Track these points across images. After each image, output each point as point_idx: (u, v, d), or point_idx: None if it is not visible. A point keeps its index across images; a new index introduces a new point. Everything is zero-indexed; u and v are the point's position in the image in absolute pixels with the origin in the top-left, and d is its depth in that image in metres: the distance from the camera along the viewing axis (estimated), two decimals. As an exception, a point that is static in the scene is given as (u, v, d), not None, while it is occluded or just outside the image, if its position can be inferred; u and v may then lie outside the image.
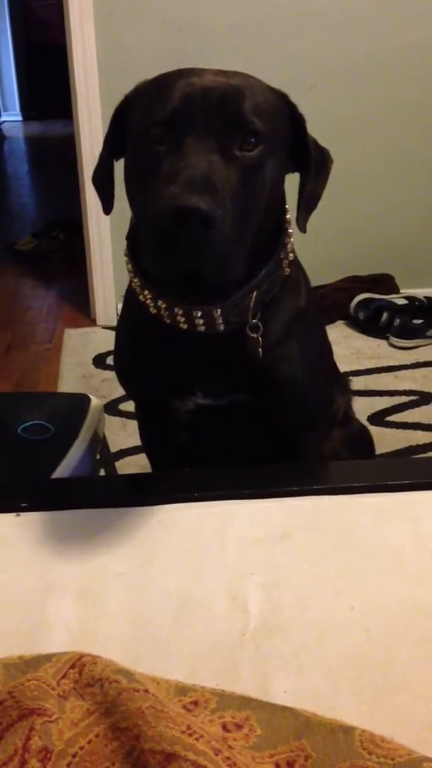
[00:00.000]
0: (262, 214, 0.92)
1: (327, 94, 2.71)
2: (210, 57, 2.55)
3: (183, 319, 0.99)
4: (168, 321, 1.01)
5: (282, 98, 0.98)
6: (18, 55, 7.76)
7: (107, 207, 1.06)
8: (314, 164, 1.01)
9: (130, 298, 1.10)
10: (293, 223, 1.04)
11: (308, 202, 1.02)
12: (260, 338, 1.01)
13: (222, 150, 0.86)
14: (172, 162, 0.85)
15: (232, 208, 0.84)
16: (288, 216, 1.04)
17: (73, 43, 2.57)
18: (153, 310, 1.02)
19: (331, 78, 2.72)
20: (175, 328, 1.01)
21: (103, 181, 1.05)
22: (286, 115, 0.98)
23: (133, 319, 1.13)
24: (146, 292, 1.01)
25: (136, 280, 1.04)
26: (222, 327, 0.99)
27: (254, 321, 1.01)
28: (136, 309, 1.06)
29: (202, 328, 0.99)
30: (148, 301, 1.02)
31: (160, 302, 1.00)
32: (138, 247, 1.01)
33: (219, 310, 0.98)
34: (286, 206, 1.03)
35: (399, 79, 2.75)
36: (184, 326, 1.00)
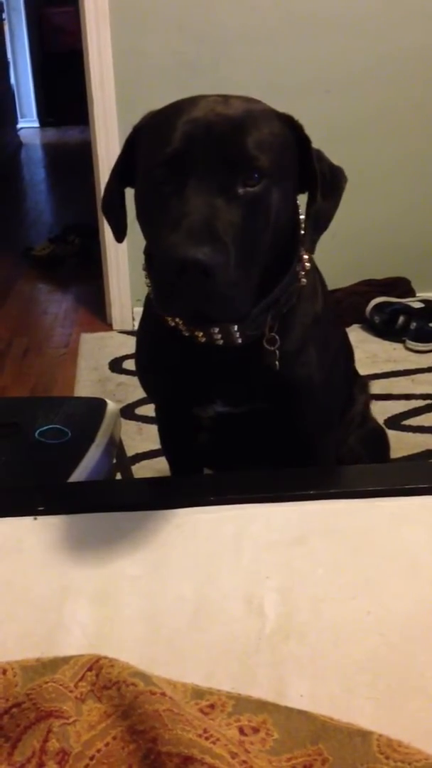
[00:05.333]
0: (270, 243, 0.92)
1: (342, 98, 2.71)
2: (225, 63, 2.56)
3: (201, 333, 1.01)
4: (186, 334, 1.02)
5: (287, 122, 0.96)
6: (35, 62, 7.81)
7: (119, 235, 1.05)
8: (326, 184, 0.99)
9: (149, 307, 1.11)
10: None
11: (316, 222, 0.99)
12: (277, 351, 1.02)
13: (224, 190, 0.86)
14: (175, 205, 0.85)
15: (235, 251, 0.84)
16: (303, 229, 1.02)
17: (89, 49, 2.59)
18: (172, 323, 1.03)
19: (346, 82, 2.72)
20: (194, 340, 1.02)
21: (114, 209, 1.04)
22: (292, 140, 0.96)
23: (152, 328, 1.13)
24: None
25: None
26: (239, 340, 1.01)
27: (271, 334, 1.01)
28: (156, 318, 1.07)
29: (220, 342, 1.01)
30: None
31: (178, 318, 1.01)
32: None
33: (236, 326, 0.99)
34: (301, 217, 1.01)
35: (414, 82, 2.74)
36: (203, 339, 1.01)
